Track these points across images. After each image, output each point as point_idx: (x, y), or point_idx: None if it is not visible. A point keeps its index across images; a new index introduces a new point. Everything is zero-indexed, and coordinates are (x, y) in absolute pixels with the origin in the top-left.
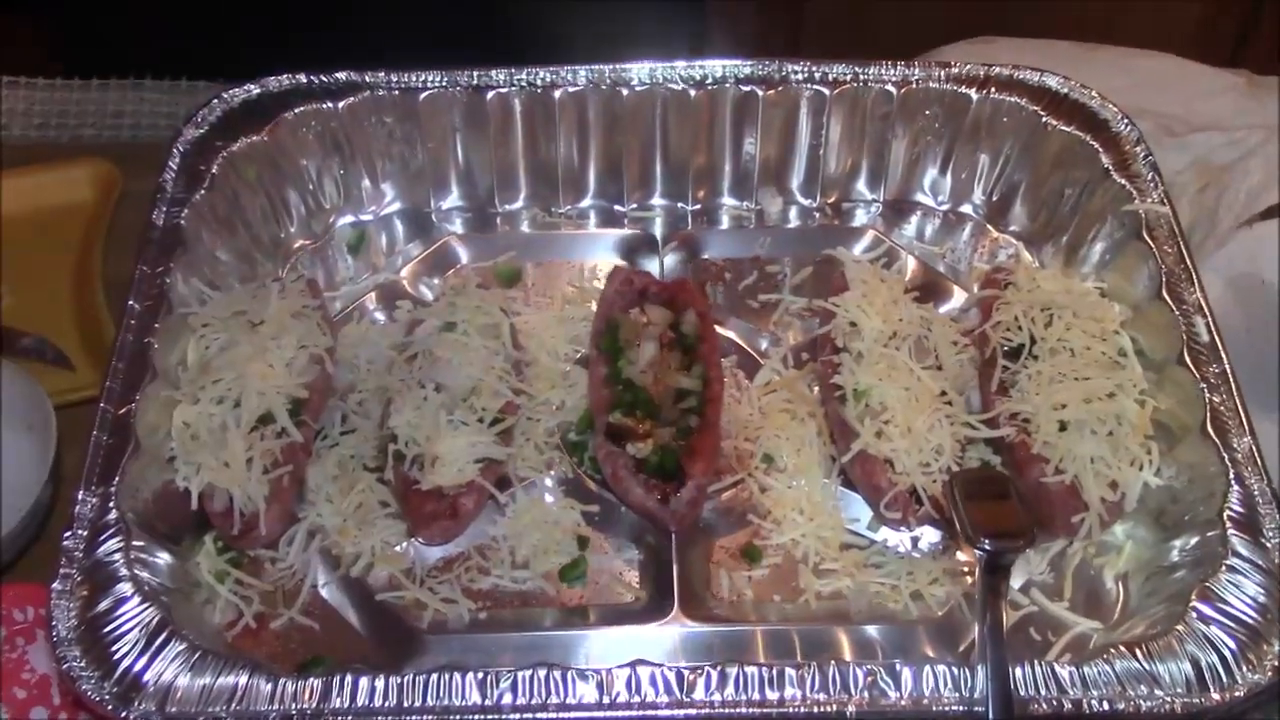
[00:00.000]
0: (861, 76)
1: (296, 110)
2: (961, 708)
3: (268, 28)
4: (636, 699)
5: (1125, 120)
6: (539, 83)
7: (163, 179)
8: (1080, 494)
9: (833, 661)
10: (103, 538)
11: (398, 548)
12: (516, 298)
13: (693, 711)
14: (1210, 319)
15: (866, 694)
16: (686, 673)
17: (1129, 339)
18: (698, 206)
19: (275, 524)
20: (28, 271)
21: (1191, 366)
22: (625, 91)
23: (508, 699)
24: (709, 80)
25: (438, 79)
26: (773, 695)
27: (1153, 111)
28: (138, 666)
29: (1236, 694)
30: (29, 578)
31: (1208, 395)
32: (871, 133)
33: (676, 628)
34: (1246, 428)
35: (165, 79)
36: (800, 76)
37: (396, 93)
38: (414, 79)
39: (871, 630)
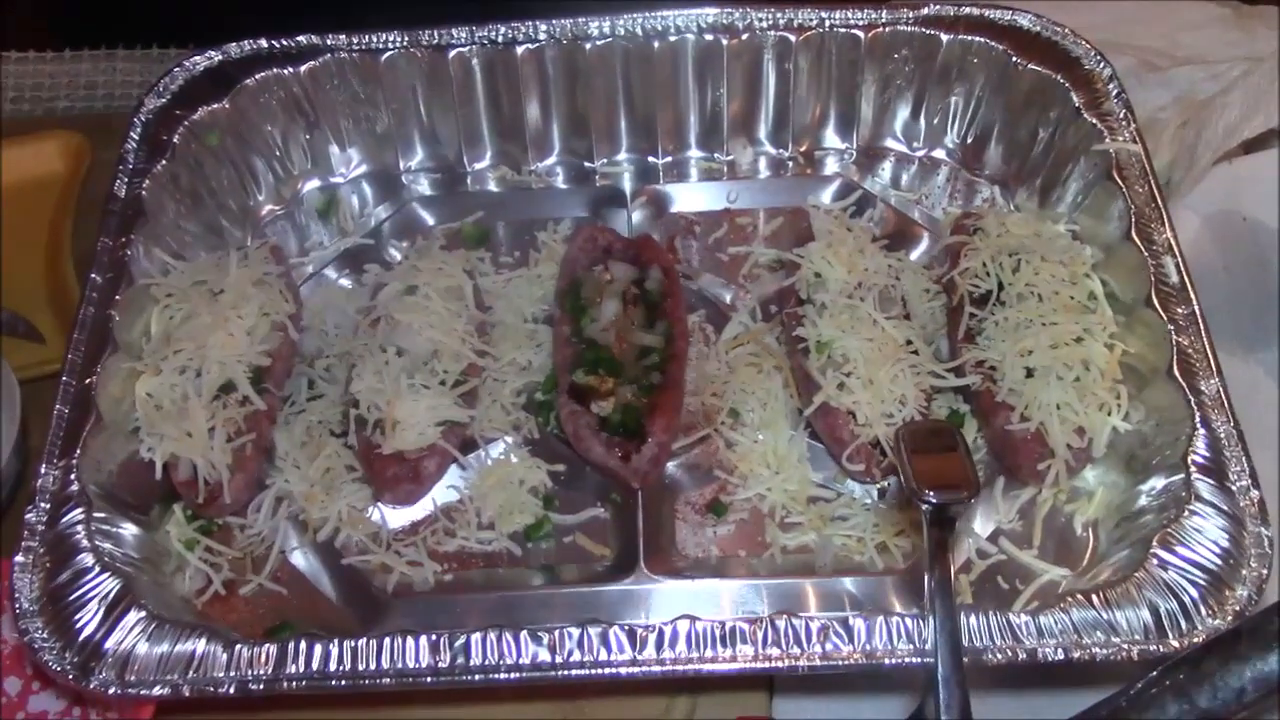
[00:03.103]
0: (828, 22)
1: (258, 76)
2: (916, 659)
3: None
4: (589, 658)
5: (1098, 57)
6: (499, 39)
7: (124, 150)
8: (1046, 440)
9: (786, 616)
10: (64, 510)
11: (365, 512)
12: (485, 258)
13: (644, 669)
14: (1180, 259)
15: (819, 648)
16: (639, 630)
17: (1099, 282)
18: (668, 159)
19: (240, 491)
20: None
21: (1159, 308)
22: (587, 46)
23: (461, 661)
24: (670, 31)
25: (397, 39)
26: (725, 651)
27: (1135, 46)
28: (98, 636)
29: (1196, 640)
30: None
31: (1175, 337)
32: (840, 79)
33: (643, 585)
34: (1215, 370)
35: (137, 48)
36: (764, 24)
37: (357, 55)
38: (374, 40)
39: (837, 583)
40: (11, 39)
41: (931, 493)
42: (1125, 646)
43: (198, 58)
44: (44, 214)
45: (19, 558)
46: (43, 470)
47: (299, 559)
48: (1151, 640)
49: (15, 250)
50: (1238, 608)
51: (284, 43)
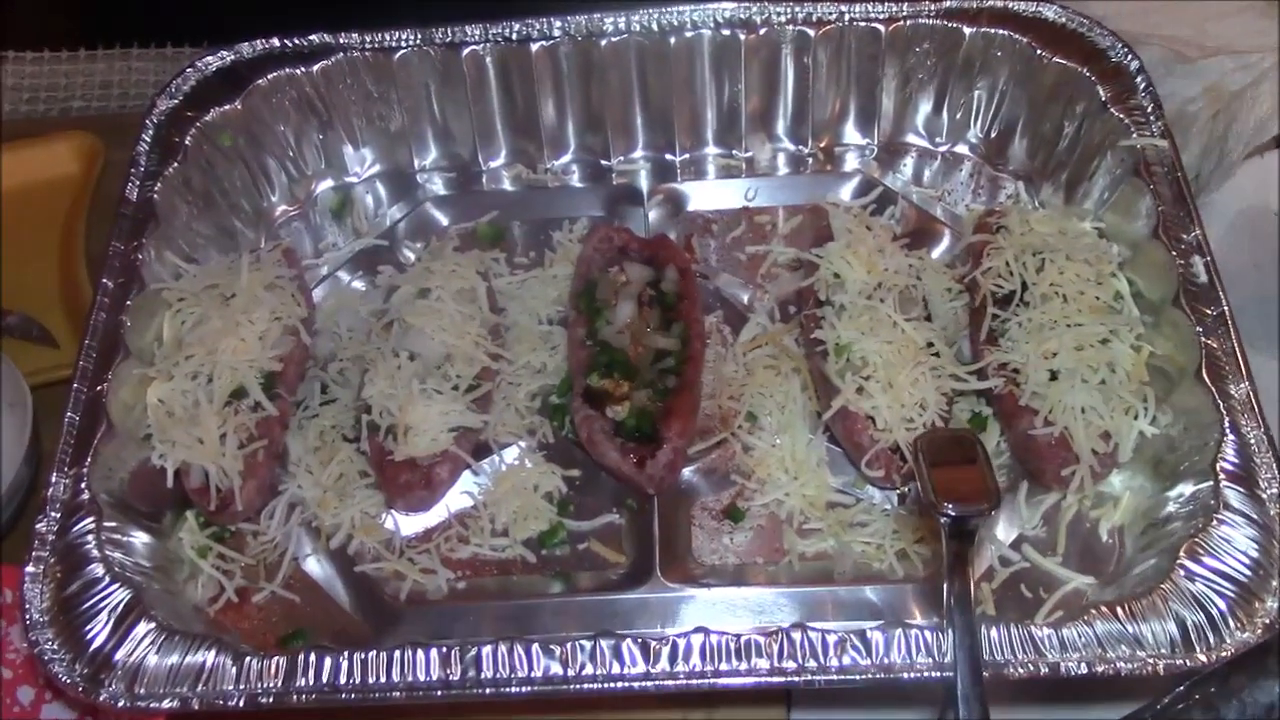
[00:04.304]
0: (847, 15)
1: (270, 76)
2: (935, 674)
3: None
4: (602, 671)
5: (1125, 49)
6: (513, 36)
7: (135, 152)
8: (1071, 445)
9: (802, 628)
10: (75, 520)
11: (378, 518)
12: (500, 258)
13: (657, 683)
14: (1210, 259)
15: (836, 661)
16: (652, 643)
17: (1126, 281)
18: (685, 157)
19: (252, 498)
20: (12, 248)
21: (1187, 308)
22: (602, 42)
23: (472, 674)
24: (686, 26)
25: (410, 37)
26: (740, 664)
27: (1162, 36)
28: (108, 648)
29: (1224, 654)
30: (10, 559)
31: (1203, 339)
32: (860, 73)
33: (659, 592)
34: (1244, 373)
35: (151, 47)
36: (782, 18)
37: (369, 53)
38: (387, 38)
39: (856, 591)
40: (27, 38)
41: (950, 505)
42: (1151, 661)
43: (209, 58)
44: (57, 216)
45: (29, 568)
46: (53, 479)
47: (312, 566)
48: (1178, 654)
49: (28, 252)
50: (1267, 621)
51: (296, 42)
